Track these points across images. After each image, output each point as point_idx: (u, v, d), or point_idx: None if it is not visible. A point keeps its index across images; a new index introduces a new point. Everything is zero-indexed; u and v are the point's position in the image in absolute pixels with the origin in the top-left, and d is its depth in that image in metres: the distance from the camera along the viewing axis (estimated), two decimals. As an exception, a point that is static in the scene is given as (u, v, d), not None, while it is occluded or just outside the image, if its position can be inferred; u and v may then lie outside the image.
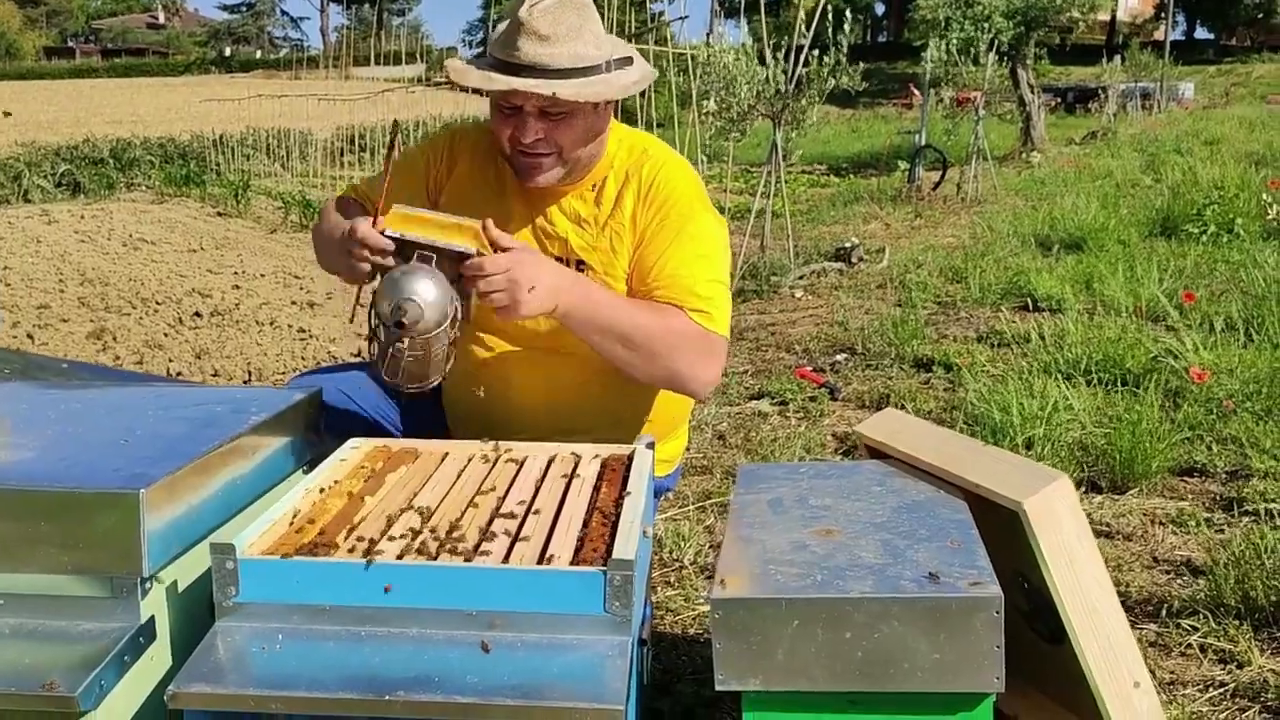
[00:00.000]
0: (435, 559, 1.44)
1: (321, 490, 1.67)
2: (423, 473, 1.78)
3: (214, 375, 5.37)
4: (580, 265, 2.06)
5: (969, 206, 10.66)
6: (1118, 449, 3.18)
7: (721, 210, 10.17)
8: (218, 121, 20.34)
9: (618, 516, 1.60)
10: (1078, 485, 3.20)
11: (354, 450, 1.86)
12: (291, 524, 1.54)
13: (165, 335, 6.64)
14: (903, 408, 4.13)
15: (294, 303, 7.54)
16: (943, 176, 11.71)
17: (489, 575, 1.39)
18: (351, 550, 1.46)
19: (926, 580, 1.41)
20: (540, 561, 1.45)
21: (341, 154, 19.40)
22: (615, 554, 1.41)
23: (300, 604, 1.39)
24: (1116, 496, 3.11)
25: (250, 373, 5.04)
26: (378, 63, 21.34)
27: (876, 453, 1.97)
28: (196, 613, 1.49)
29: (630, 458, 1.87)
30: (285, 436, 1.79)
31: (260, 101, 18.24)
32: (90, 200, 15.44)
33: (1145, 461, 3.12)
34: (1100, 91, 23.35)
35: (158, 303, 7.63)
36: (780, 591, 1.42)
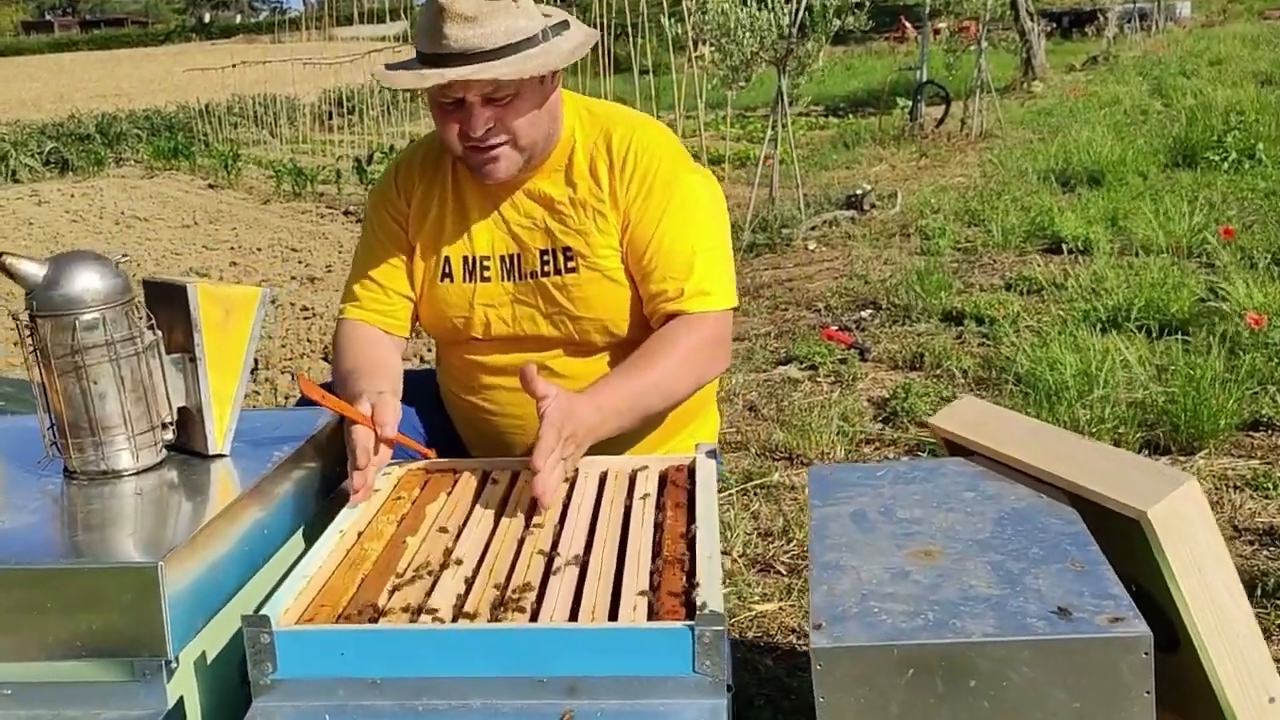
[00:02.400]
0: (497, 618, 1.27)
1: (358, 534, 1.49)
2: (464, 502, 1.61)
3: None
4: (567, 252, 1.89)
5: (975, 143, 10.41)
6: (1182, 407, 3.01)
7: (721, 160, 9.97)
8: (202, 90, 19.99)
9: (689, 545, 1.43)
10: (1140, 448, 3.03)
11: (384, 477, 1.69)
12: (327, 581, 1.37)
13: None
14: (938, 367, 3.96)
15: (294, 278, 7.36)
16: (946, 112, 11.43)
17: (561, 636, 1.22)
18: (404, 609, 1.29)
19: (1056, 616, 1.24)
20: (614, 611, 1.28)
21: (330, 117, 19.10)
22: (701, 603, 1.24)
23: (347, 678, 1.22)
24: (1183, 458, 2.94)
25: (256, 360, 4.86)
26: (360, 21, 20.90)
27: (955, 446, 1.79)
28: (228, 687, 1.33)
29: (691, 470, 1.69)
30: (311, 469, 1.62)
31: (243, 69, 17.88)
32: (80, 178, 15.22)
33: (1212, 419, 2.95)
34: (1097, 14, 22.88)
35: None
36: (890, 636, 1.24)
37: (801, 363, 4.18)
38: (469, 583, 1.36)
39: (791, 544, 2.67)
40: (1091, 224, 5.71)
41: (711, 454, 1.73)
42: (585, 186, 1.89)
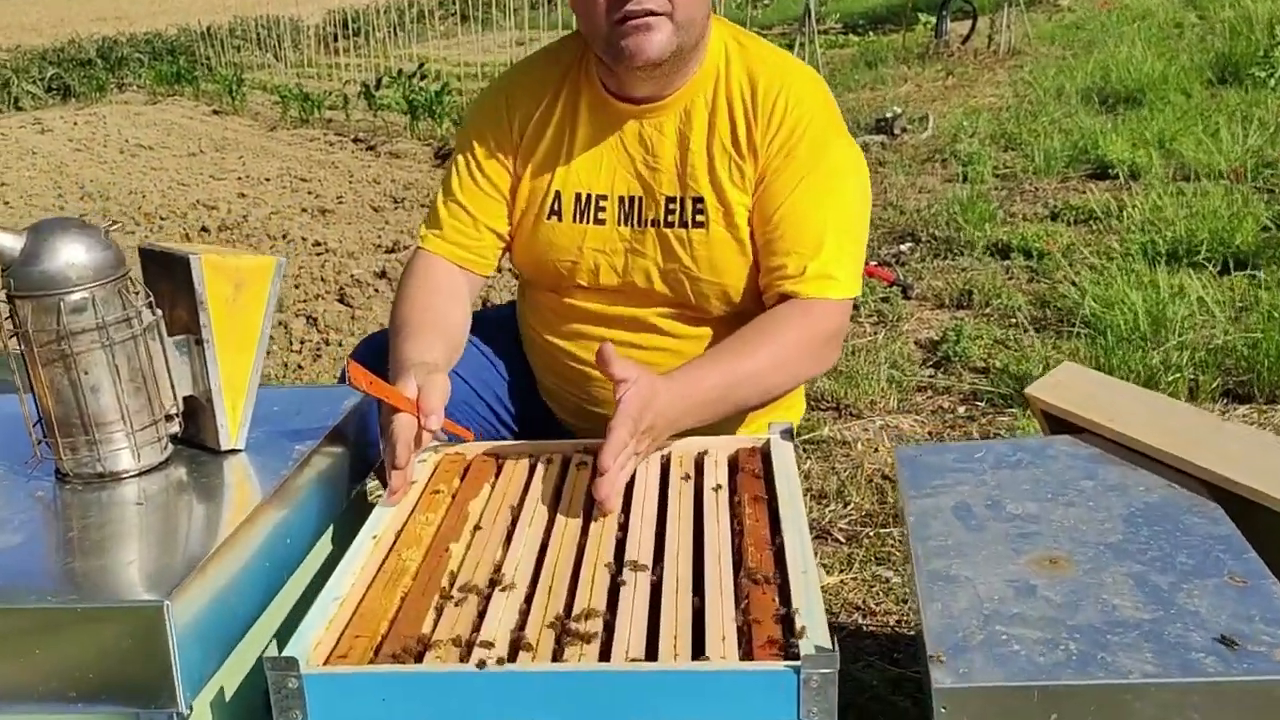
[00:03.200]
0: (561, 656, 1.08)
1: (394, 539, 1.30)
2: (512, 497, 1.41)
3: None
4: (698, 204, 1.65)
5: (1003, 60, 10.01)
6: (1263, 352, 2.79)
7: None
8: (203, 12, 19.55)
9: (778, 555, 1.24)
10: (1217, 396, 2.83)
11: (420, 464, 1.49)
12: (361, 602, 1.18)
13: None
14: (988, 305, 3.74)
15: (304, 210, 7.14)
16: (972, 28, 11.00)
17: (640, 680, 1.04)
18: (452, 641, 1.10)
19: (1222, 646, 1.05)
20: (697, 640, 1.09)
21: (335, 39, 18.63)
22: (807, 639, 1.05)
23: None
24: (1267, 407, 2.74)
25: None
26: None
27: (1058, 422, 1.59)
28: (253, 727, 1.15)
29: (765, 453, 1.50)
30: (339, 459, 1.43)
31: (245, -11, 17.41)
32: (82, 104, 14.92)
33: (1299, 365, 2.74)
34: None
35: (161, 218, 7.26)
36: (1029, 674, 1.05)
37: (842, 301, 3.95)
38: (526, 605, 1.17)
39: (848, 507, 2.48)
40: (1138, 147, 5.42)
41: (787, 434, 1.53)
42: (725, 131, 1.65)
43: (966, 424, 2.89)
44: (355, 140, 9.98)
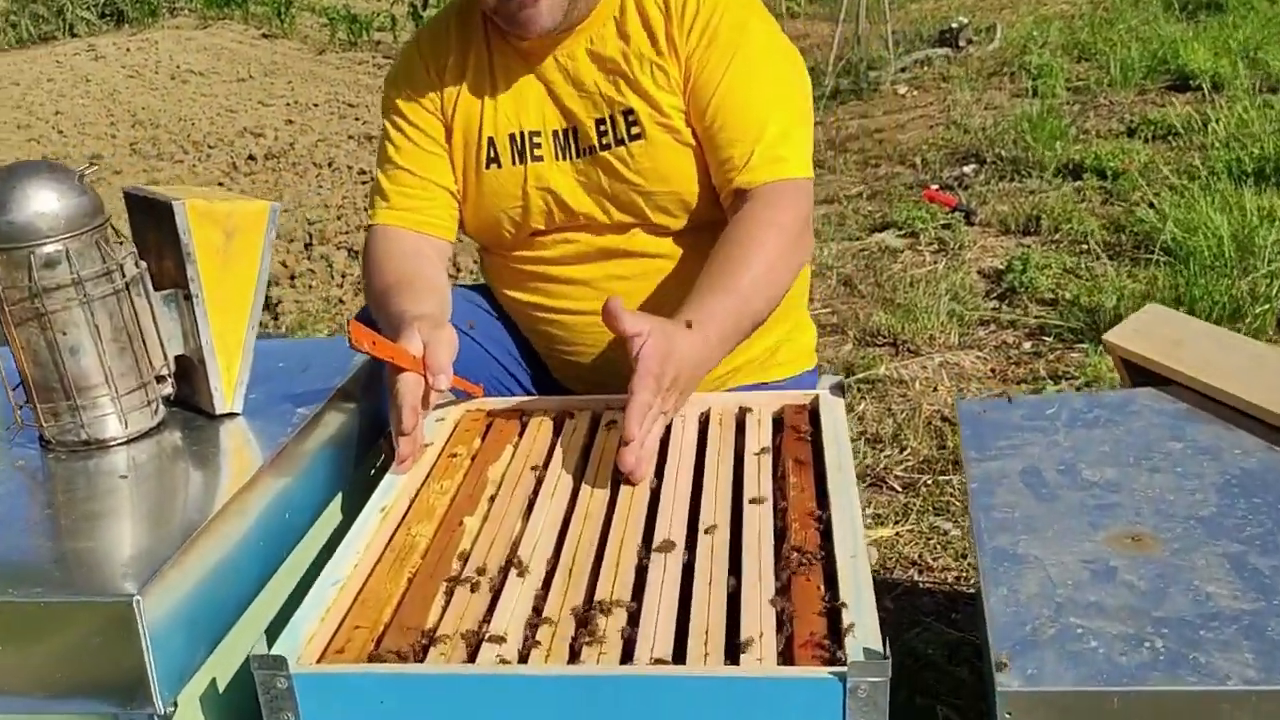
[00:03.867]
0: (579, 651, 0.97)
1: (404, 511, 1.20)
2: (535, 460, 1.30)
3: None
4: (629, 116, 1.54)
5: (1077, -35, 9.54)
6: (1363, 283, 2.58)
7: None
8: (252, -67, 19.27)
9: (825, 531, 1.12)
10: (1310, 331, 2.63)
11: (438, 423, 1.38)
12: (363, 587, 1.07)
13: (220, 185, 6.21)
14: (1058, 231, 3.53)
15: (351, 137, 7.04)
16: (1043, -68, 10.48)
17: (666, 685, 0.92)
18: (460, 633, 1.00)
19: (1336, 648, 0.91)
20: (731, 639, 0.97)
21: (384, -42, 18.32)
22: (855, 642, 0.92)
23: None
24: (1364, 344, 2.53)
25: (310, 236, 4.57)
26: None
27: (1139, 371, 1.43)
28: (248, 720, 1.06)
29: (814, 409, 1.37)
30: (347, 421, 1.32)
31: (293, -91, 17.11)
32: (135, 29, 14.87)
33: (1401, 297, 2.53)
34: None
35: (209, 146, 7.21)
36: (1108, 678, 0.92)
37: (900, 229, 3.77)
38: (543, 592, 1.06)
39: (905, 453, 2.34)
40: (1221, 57, 5.10)
41: (839, 389, 1.40)
42: (639, 38, 1.54)
43: (1033, 360, 2.72)
44: (404, 62, 9.82)
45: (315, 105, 8.43)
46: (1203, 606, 1.00)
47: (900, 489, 2.23)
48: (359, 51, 10.95)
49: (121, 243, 1.17)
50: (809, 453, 1.27)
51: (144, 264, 1.17)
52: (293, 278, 4.25)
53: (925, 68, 6.30)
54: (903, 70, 6.23)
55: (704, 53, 1.53)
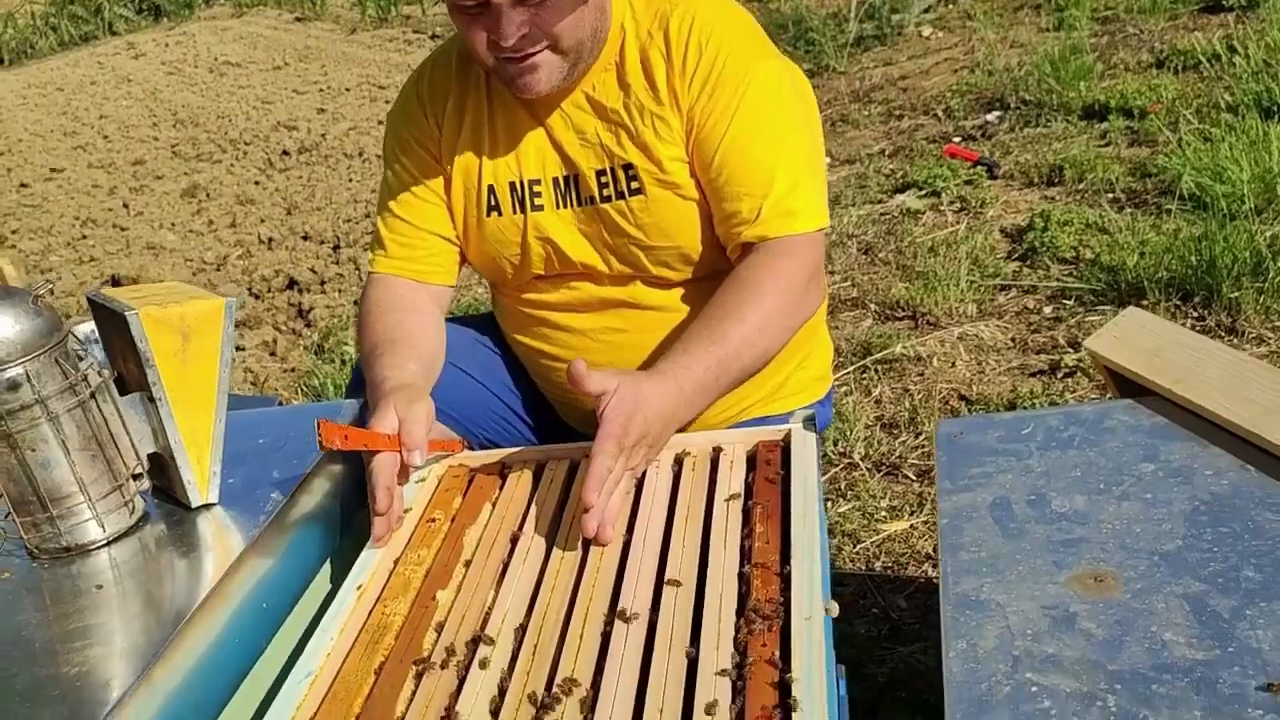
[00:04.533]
0: (537, 738, 0.99)
1: (381, 589, 1.23)
2: (512, 521, 1.32)
3: (304, 239, 4.99)
4: (629, 171, 1.52)
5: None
6: (1390, 226, 2.49)
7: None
8: (277, -84, 19.32)
9: (786, 582, 1.12)
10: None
11: (418, 485, 1.41)
12: (337, 675, 1.11)
13: (256, 184, 6.32)
14: (1081, 181, 3.45)
15: (380, 122, 7.10)
16: None
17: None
18: (420, 727, 1.03)
19: (1265, 695, 0.90)
20: (688, 707, 0.99)
21: (407, -71, 18.25)
22: (798, 713, 0.94)
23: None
24: (1394, 290, 2.46)
25: (339, 239, 4.62)
26: None
27: (1123, 380, 1.41)
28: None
29: (785, 446, 1.37)
30: (331, 492, 1.35)
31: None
32: (173, 23, 15.02)
33: None
34: None
35: (246, 143, 7.33)
36: (1058, 743, 0.93)
37: (921, 189, 3.71)
38: (508, 673, 1.08)
39: (921, 438, 2.33)
40: (1257, -28, 4.90)
41: (811, 423, 1.39)
42: (640, 88, 1.51)
43: (1053, 327, 2.69)
44: (433, 37, 9.89)
45: (347, 90, 8.52)
46: (1158, 656, 0.99)
47: (915, 477, 2.23)
48: (389, 28, 11.02)
49: (83, 355, 1.20)
50: (777, 499, 1.28)
51: (106, 372, 1.21)
52: (323, 283, 4.32)
53: (950, 6, 6.15)
54: (926, 10, 6.09)
55: (707, 103, 1.49)
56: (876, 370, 2.63)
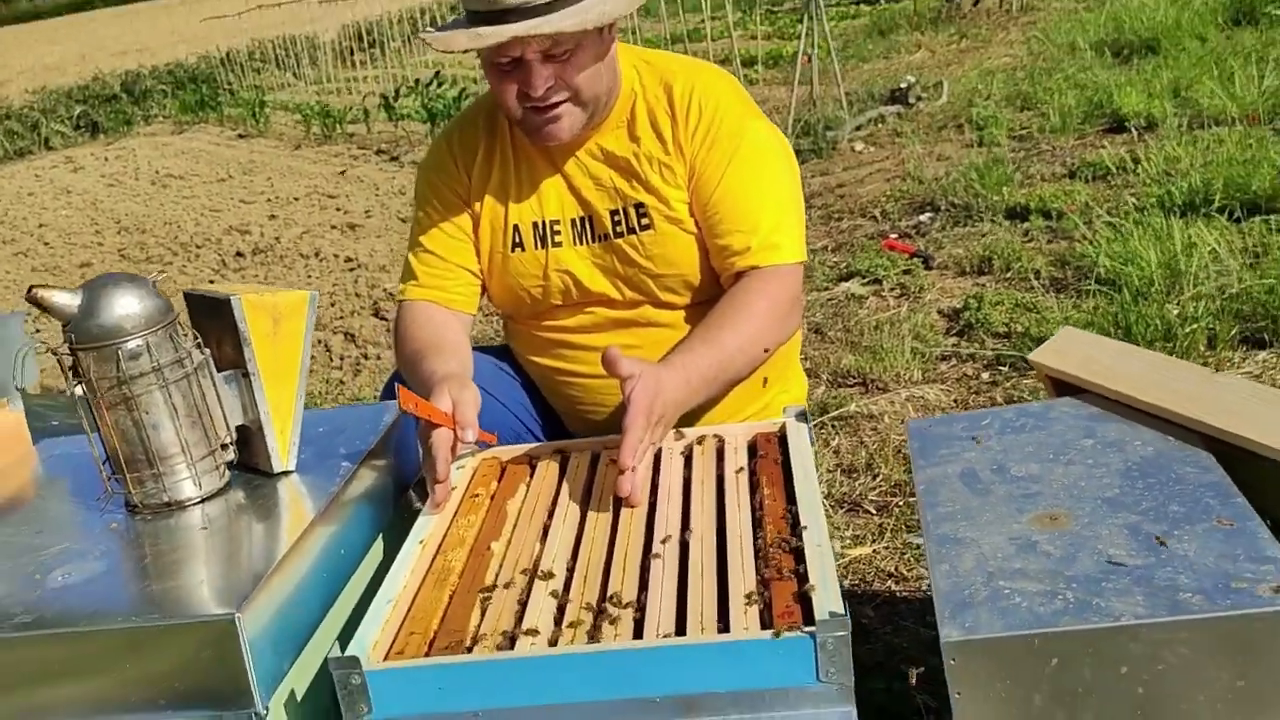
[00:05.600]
0: (598, 636, 1.18)
1: (439, 543, 1.41)
2: (546, 495, 1.51)
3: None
4: (639, 209, 1.78)
5: (1016, 18, 9.99)
6: None
7: (753, 62, 9.64)
8: (221, 38, 19.75)
9: (793, 528, 1.33)
10: (1236, 344, 2.87)
11: (460, 471, 1.60)
12: (413, 603, 1.28)
13: (212, 283, 6.43)
14: (1009, 270, 3.79)
15: (334, 227, 7.27)
16: (983, -12, 10.95)
17: (671, 654, 1.13)
18: (499, 632, 1.21)
19: (1213, 589, 1.13)
20: (723, 614, 1.19)
21: (351, 53, 18.81)
22: (820, 606, 1.14)
23: (446, 713, 1.14)
24: (1284, 352, 2.78)
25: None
26: (371, -48, 20.41)
27: (1062, 385, 1.66)
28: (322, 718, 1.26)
29: (781, 437, 1.59)
30: (384, 472, 1.54)
31: (260, 12, 17.63)
32: (110, 139, 15.16)
33: (1314, 307, 2.78)
34: None
35: (197, 246, 7.41)
36: (1029, 624, 1.14)
37: (864, 277, 4.02)
38: (564, 595, 1.27)
39: (878, 479, 2.56)
40: (1154, 98, 5.42)
41: (802, 417, 1.62)
42: (649, 141, 1.79)
43: (990, 389, 2.96)
44: (378, 152, 10.12)
45: (296, 199, 8.66)
46: (1105, 566, 1.21)
47: (875, 511, 2.45)
48: (334, 144, 11.21)
49: (187, 335, 1.39)
50: (779, 469, 1.49)
51: (207, 350, 1.39)
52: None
53: (879, 125, 6.62)
54: (858, 128, 6.55)
55: (707, 154, 1.76)
56: (834, 425, 2.87)
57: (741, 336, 1.67)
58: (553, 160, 1.81)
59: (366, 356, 4.26)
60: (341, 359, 4.30)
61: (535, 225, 1.83)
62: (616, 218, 1.79)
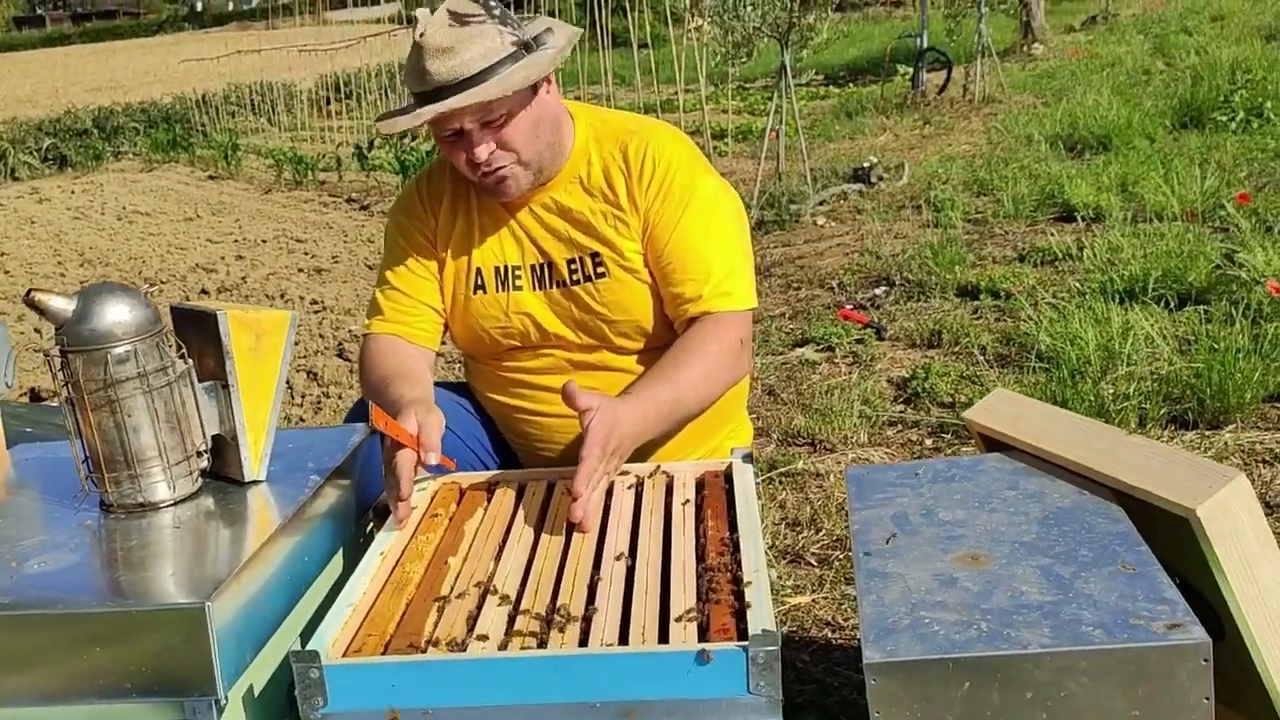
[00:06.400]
0: (546, 644, 1.26)
1: (399, 555, 1.48)
2: (502, 518, 1.60)
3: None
4: (595, 258, 1.89)
5: (978, 109, 10.33)
6: (1207, 381, 2.98)
7: (724, 135, 9.90)
8: (198, 81, 19.90)
9: (734, 555, 1.42)
10: (1165, 423, 3.02)
11: (421, 493, 1.68)
12: (372, 607, 1.36)
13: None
14: (957, 344, 3.94)
15: (301, 270, 7.33)
16: (947, 79, 11.33)
17: (613, 662, 1.21)
18: (451, 637, 1.28)
19: (1113, 624, 1.23)
20: (664, 629, 1.27)
21: (327, 103, 19.00)
22: (753, 623, 1.23)
23: (398, 709, 1.21)
24: (1210, 433, 2.93)
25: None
26: (354, 4, 20.72)
27: (992, 441, 1.78)
28: (278, 717, 1.32)
29: (728, 475, 1.68)
30: (348, 489, 1.61)
31: (238, 57, 17.79)
32: (79, 173, 15.14)
33: (1238, 392, 2.93)
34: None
35: (162, 282, 7.42)
36: (944, 649, 1.23)
37: (818, 344, 4.16)
38: (515, 605, 1.35)
39: (820, 534, 2.66)
40: (1102, 191, 5.66)
41: (748, 459, 1.71)
42: (603, 196, 1.90)
43: (932, 454, 3.07)
44: (349, 200, 10.20)
45: (263, 241, 8.70)
46: (1017, 600, 1.31)
47: (816, 563, 2.54)
48: (305, 190, 11.29)
49: (172, 345, 1.47)
50: (724, 502, 1.59)
51: (190, 361, 1.47)
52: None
53: (841, 201, 6.83)
54: (821, 203, 6.75)
55: (660, 206, 1.87)
56: (781, 481, 2.97)
57: (694, 374, 1.77)
58: (510, 210, 1.93)
59: (328, 395, 4.32)
60: (303, 396, 4.36)
61: (497, 270, 1.93)
62: (573, 265, 1.90)
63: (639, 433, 1.65)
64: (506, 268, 1.93)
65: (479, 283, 1.94)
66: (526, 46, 1.77)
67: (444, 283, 1.97)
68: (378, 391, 1.80)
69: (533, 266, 1.92)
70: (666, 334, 1.92)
